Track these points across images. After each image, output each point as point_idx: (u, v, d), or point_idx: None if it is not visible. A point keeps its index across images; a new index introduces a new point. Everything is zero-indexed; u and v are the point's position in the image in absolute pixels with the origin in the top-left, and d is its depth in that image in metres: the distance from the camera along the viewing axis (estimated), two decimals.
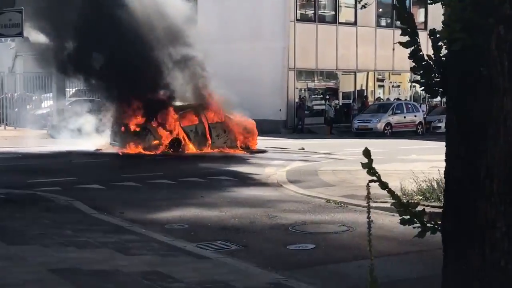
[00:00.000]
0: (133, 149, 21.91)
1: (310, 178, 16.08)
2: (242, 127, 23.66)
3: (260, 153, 23.18)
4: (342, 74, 40.74)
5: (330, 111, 37.32)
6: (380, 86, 43.04)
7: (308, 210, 12.05)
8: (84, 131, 25.69)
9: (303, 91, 38.64)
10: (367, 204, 5.31)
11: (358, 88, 41.40)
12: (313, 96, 39.49)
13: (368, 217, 4.27)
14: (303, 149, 24.60)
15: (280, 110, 36.92)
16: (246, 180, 16.36)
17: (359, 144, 28.25)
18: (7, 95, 36.06)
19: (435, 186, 12.16)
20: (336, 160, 20.67)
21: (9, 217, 10.63)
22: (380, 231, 9.89)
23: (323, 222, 10.89)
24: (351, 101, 40.51)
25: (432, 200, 11.74)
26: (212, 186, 15.22)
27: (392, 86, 43.81)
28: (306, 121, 37.25)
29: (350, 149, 25.20)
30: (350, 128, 37.37)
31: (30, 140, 26.82)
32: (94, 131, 24.79)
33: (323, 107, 38.93)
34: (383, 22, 42.34)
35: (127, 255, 8.45)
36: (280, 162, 20.17)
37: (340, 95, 40.41)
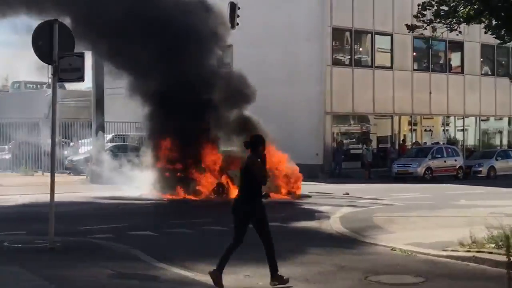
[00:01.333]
0: (177, 194, 21.60)
1: (366, 224, 15.59)
2: (286, 172, 23.28)
3: (305, 198, 22.75)
4: (378, 118, 40.37)
5: (368, 155, 36.83)
6: (413, 130, 42.56)
7: (375, 259, 11.56)
8: (125, 176, 25.50)
9: (339, 135, 38.31)
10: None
11: (395, 132, 40.97)
12: (349, 140, 39.13)
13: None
14: (347, 194, 24.14)
15: (317, 154, 36.54)
16: (298, 227, 15.91)
17: (404, 189, 27.84)
18: (48, 141, 36.09)
19: (509, 233, 11.61)
20: (386, 206, 20.14)
21: (70, 266, 10.30)
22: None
23: (398, 272, 10.39)
24: (388, 145, 40.03)
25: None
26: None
27: (425, 130, 43.31)
28: (343, 166, 36.81)
29: (396, 194, 24.71)
30: (388, 172, 36.84)
31: (70, 186, 26.68)
32: (135, 176, 24.57)
33: (360, 151, 38.50)
34: (419, 66, 42.00)
35: None
36: (328, 208, 19.70)
37: (375, 138, 39.92)
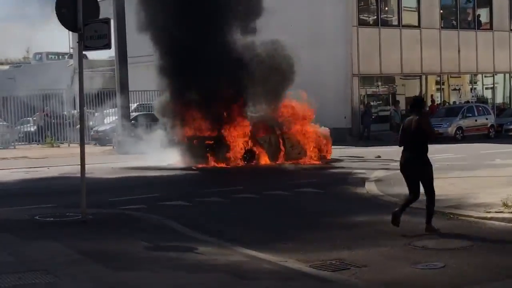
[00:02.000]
0: (206, 162, 21.28)
1: (402, 188, 15.14)
2: (316, 136, 22.86)
3: (336, 162, 22.36)
4: (406, 79, 39.65)
5: (396, 116, 36.17)
6: (441, 89, 41.76)
7: (418, 223, 11.14)
8: (152, 145, 25.22)
9: (367, 98, 37.70)
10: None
11: (423, 92, 40.23)
12: (377, 102, 38.51)
13: None
14: (379, 157, 23.69)
15: (345, 117, 36.01)
16: (335, 192, 15.55)
17: (436, 150, 27.07)
18: (72, 111, 35.95)
19: None
20: None
21: (104, 239, 10.02)
22: None
23: (442, 236, 9.99)
24: None
25: None
26: (301, 200, 14.47)
27: (453, 89, 42.48)
28: (372, 128, 36.26)
29: (429, 155, 24.14)
30: None
31: (97, 157, 26.51)
32: (163, 145, 24.27)
33: (388, 113, 37.89)
34: (446, 23, 41.06)
35: (245, 280, 7.76)
36: (362, 171, 19.32)
37: (403, 100, 39.21)
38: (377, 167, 20.41)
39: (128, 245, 9.64)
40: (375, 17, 38.06)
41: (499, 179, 15.40)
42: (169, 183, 18.18)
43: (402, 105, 38.52)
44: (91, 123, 36.11)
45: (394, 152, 26.33)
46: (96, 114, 36.60)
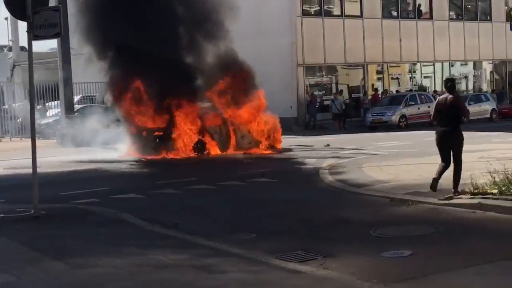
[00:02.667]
0: (156, 154, 20.93)
1: (357, 175, 15.18)
2: (266, 125, 22.74)
3: (287, 152, 22.29)
4: (349, 68, 39.91)
5: (333, 106, 36.15)
6: (379, 78, 42.15)
7: (377, 211, 11.14)
8: (98, 138, 24.74)
9: (311, 87, 37.78)
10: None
11: (365, 81, 40.57)
12: (322, 92, 38.66)
13: None
14: (328, 145, 23.72)
15: (291, 107, 36.03)
16: (289, 181, 15.44)
17: (382, 138, 27.52)
18: (13, 105, 34.99)
19: None
20: (372, 155, 19.74)
21: (61, 235, 9.68)
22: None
23: (403, 224, 9.96)
24: (360, 94, 39.64)
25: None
26: (256, 190, 14.31)
27: (392, 78, 42.91)
28: (317, 117, 36.38)
29: (376, 143, 24.40)
30: (362, 122, 36.57)
31: (41, 151, 25.75)
32: (109, 137, 23.82)
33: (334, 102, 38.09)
34: (388, 13, 41.44)
35: (212, 274, 7.55)
36: (313, 160, 19.29)
37: (346, 89, 39.43)
38: (328, 155, 20.42)
39: (86, 241, 9.33)
40: (318, 7, 38.14)
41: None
42: (120, 176, 17.80)
43: (346, 94, 38.83)
44: None
45: (342, 140, 26.68)
46: (38, 106, 35.67)
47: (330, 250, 8.62)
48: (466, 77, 46.66)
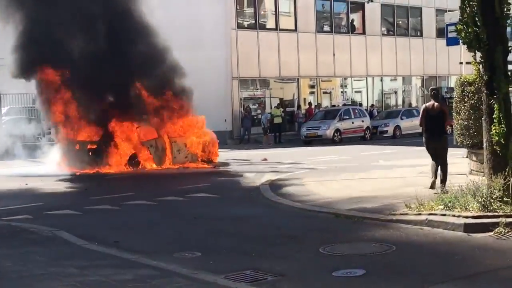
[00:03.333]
0: (89, 168, 20.27)
1: (298, 190, 14.96)
2: (202, 139, 22.35)
3: (224, 166, 21.94)
4: (283, 82, 39.93)
5: (263, 120, 36.00)
6: (312, 92, 42.35)
7: (324, 228, 10.90)
8: (28, 151, 23.90)
9: (245, 100, 37.60)
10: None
11: (297, 95, 40.64)
12: (256, 105, 38.54)
13: None
14: (265, 160, 23.51)
15: (225, 120, 35.76)
16: (231, 197, 15.09)
17: (318, 152, 27.50)
18: None
19: (457, 193, 11.18)
20: (311, 170, 19.58)
21: None
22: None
23: (353, 241, 9.74)
24: (294, 108, 39.67)
25: (458, 210, 10.72)
26: (198, 206, 13.92)
27: (324, 92, 43.19)
28: (252, 131, 36.20)
29: (312, 157, 24.33)
30: (297, 136, 36.59)
31: None
32: (39, 151, 23.04)
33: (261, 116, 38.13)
34: (322, 28, 41.73)
35: None
36: (252, 175, 19.03)
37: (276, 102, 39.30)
38: (266, 169, 20.19)
39: (22, 260, 8.76)
40: (254, 20, 38.07)
41: (394, 180, 15.48)
42: (52, 191, 17.08)
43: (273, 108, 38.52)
44: None
45: (278, 154, 26.50)
46: None
47: (280, 269, 8.31)
48: (395, 92, 47.37)
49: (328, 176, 17.36)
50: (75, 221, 12.23)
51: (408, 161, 20.59)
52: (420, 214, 10.93)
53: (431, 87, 15.10)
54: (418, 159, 21.37)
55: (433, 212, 10.89)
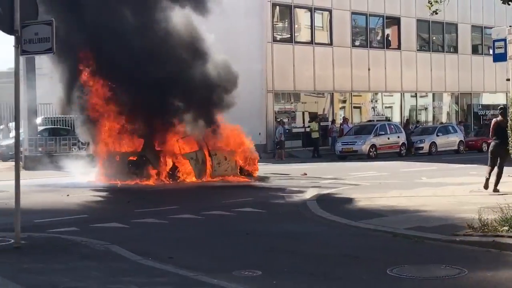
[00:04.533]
0: (130, 180, 20.03)
1: (348, 207, 14.57)
2: (243, 152, 22.05)
3: (264, 181, 21.59)
4: (318, 96, 39.58)
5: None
6: (341, 107, 41.92)
7: (384, 248, 10.50)
8: (64, 161, 23.74)
9: (280, 114, 37.30)
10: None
11: (332, 109, 40.25)
12: (290, 119, 38.22)
13: None
14: (305, 174, 23.14)
15: (259, 134, 35.42)
16: (278, 212, 14.73)
17: (356, 167, 27.08)
18: None
19: None
20: (355, 186, 19.16)
21: (49, 269, 8.79)
22: None
23: (419, 262, 9.32)
24: (329, 123, 39.26)
25: None
26: (246, 221, 13.58)
27: (354, 107, 42.75)
28: (286, 145, 35.81)
29: (352, 173, 23.91)
30: (330, 151, 36.19)
31: (3, 174, 24.70)
32: (78, 161, 22.85)
33: (301, 130, 37.75)
34: (357, 42, 41.39)
35: None
36: (295, 189, 18.66)
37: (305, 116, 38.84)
38: (308, 184, 19.83)
39: (79, 276, 8.47)
40: (289, 34, 37.82)
41: (445, 199, 15.03)
42: (95, 202, 16.86)
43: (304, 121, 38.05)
44: None
45: (316, 169, 26.09)
46: (1, 127, 34.40)
47: None
48: (426, 108, 46.76)
49: (375, 193, 16.94)
50: (124, 235, 11.93)
51: (453, 179, 20.13)
52: (485, 235, 10.50)
53: (500, 106, 16.77)
54: (464, 177, 20.99)
55: (498, 233, 10.47)
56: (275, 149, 34.76)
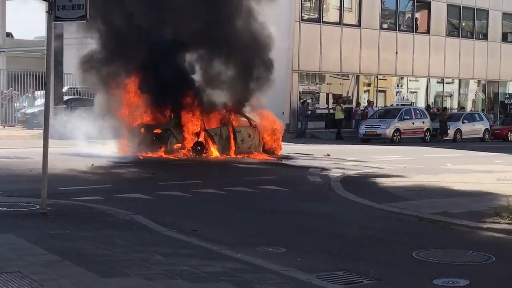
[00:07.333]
0: (153, 153, 20.05)
1: (372, 189, 14.47)
2: (268, 130, 21.97)
3: (287, 160, 21.53)
4: (343, 78, 39.31)
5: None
6: (366, 91, 41.58)
7: (410, 231, 10.42)
8: (89, 131, 23.73)
9: (304, 95, 37.11)
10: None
11: (357, 92, 39.99)
12: (314, 100, 38.02)
13: None
14: (328, 155, 23.02)
15: (283, 113, 35.25)
16: (302, 191, 14.68)
17: (380, 151, 26.89)
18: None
19: None
20: (379, 169, 19.03)
21: (75, 236, 8.80)
22: None
23: (445, 247, 9.23)
24: (353, 105, 39.03)
25: None
26: (270, 199, 13.54)
27: (378, 91, 42.38)
28: (309, 126, 35.72)
29: (376, 156, 23.75)
30: (353, 134, 36.02)
31: (28, 141, 24.86)
32: (99, 132, 22.83)
33: (325, 111, 37.57)
34: (386, 25, 40.96)
35: None
36: (318, 170, 18.58)
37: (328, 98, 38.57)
38: (331, 166, 19.73)
39: (104, 244, 8.47)
40: (317, 14, 37.51)
41: (472, 185, 14.88)
42: (119, 173, 16.89)
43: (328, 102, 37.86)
44: (17, 104, 34.14)
45: (340, 151, 25.96)
46: (27, 94, 34.53)
47: (375, 273, 7.86)
48: (451, 95, 46.28)
49: (399, 176, 16.84)
50: (148, 206, 11.95)
51: (479, 167, 19.94)
52: None
53: None
54: (489, 165, 20.79)
55: None
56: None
